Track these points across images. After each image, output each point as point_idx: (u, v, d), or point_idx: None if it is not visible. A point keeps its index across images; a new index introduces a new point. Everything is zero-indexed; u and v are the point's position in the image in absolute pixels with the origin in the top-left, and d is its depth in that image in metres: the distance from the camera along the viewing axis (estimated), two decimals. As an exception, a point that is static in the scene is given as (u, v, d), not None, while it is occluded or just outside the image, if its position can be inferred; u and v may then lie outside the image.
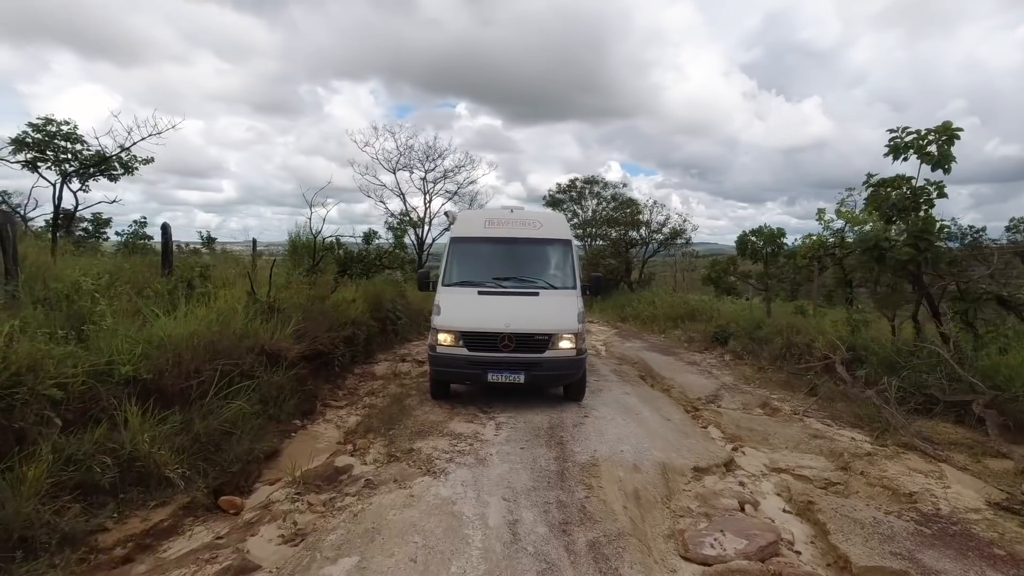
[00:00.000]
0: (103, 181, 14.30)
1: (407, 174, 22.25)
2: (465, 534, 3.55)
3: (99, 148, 12.08)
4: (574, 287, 7.17)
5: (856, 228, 13.75)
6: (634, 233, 25.63)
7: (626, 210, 25.69)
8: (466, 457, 4.99)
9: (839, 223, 10.65)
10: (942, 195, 6.61)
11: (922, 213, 6.76)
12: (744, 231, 12.44)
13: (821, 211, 10.74)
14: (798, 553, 3.56)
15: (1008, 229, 26.99)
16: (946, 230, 6.41)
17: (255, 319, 6.84)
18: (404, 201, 22.46)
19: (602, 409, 6.72)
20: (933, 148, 6.29)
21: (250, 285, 7.69)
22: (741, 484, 4.74)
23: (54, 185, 10.64)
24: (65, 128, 12.74)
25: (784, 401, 7.30)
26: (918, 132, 6.40)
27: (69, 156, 13.00)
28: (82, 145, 12.99)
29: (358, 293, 10.53)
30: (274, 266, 7.95)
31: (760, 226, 12.25)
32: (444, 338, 6.58)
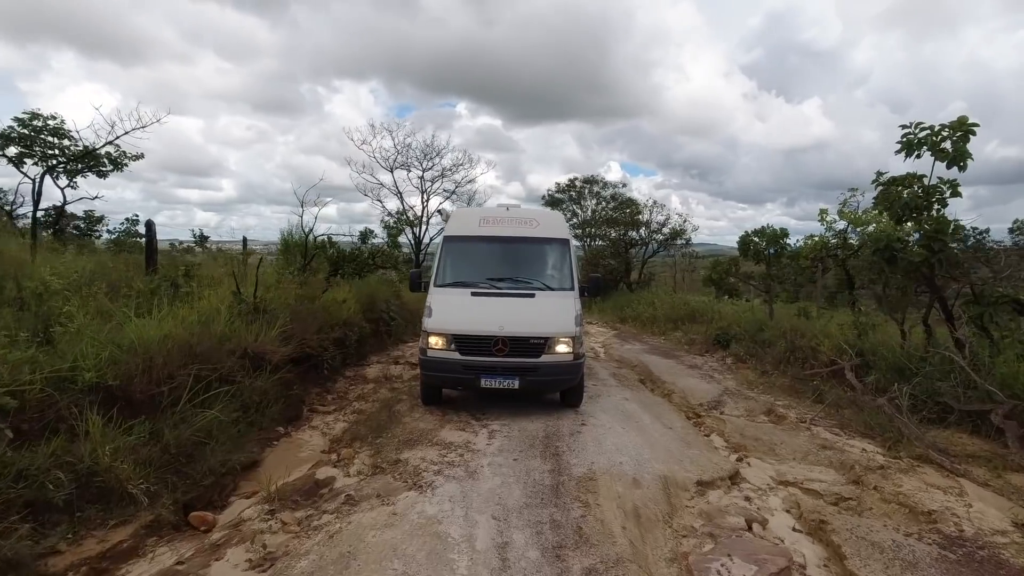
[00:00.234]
0: (95, 178, 14.01)
1: (405, 173, 21.96)
2: (450, 559, 3.26)
3: (85, 144, 11.74)
4: (572, 288, 6.88)
5: (859, 229, 13.50)
6: (634, 233, 25.35)
7: (626, 210, 25.42)
8: (456, 469, 4.70)
9: (841, 224, 10.39)
10: (956, 194, 6.32)
11: (934, 213, 6.48)
12: (746, 231, 12.16)
13: (823, 211, 10.47)
14: (812, 580, 3.28)
15: (1012, 231, 26.76)
16: (961, 231, 6.11)
17: (239, 320, 6.56)
18: (401, 200, 22.17)
19: (600, 416, 6.43)
20: (947, 144, 6.00)
21: (235, 285, 7.40)
22: (747, 499, 4.46)
23: (34, 180, 10.31)
24: (52, 123, 12.46)
25: (790, 408, 7.01)
26: (931, 128, 6.11)
27: (56, 152, 12.72)
28: (69, 141, 12.70)
29: (350, 293, 10.25)
30: (261, 264, 7.64)
31: (763, 226, 11.96)
32: (435, 341, 6.29)
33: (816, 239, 10.98)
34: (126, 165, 13.92)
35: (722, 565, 3.32)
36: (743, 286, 16.57)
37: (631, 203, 25.69)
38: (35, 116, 12.04)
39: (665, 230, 24.64)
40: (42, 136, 12.27)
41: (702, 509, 4.18)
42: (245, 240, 11.51)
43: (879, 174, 6.88)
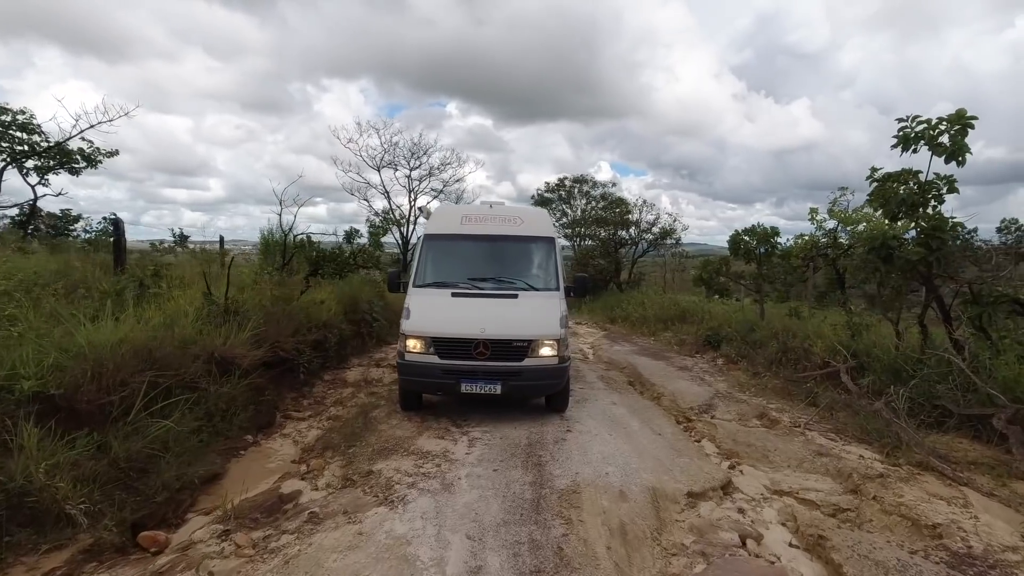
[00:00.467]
0: (71, 177, 13.52)
1: (392, 172, 21.62)
2: (417, 586, 2.96)
3: (48, 137, 11.27)
4: (557, 288, 6.60)
5: (849, 228, 13.35)
6: (623, 233, 25.11)
7: (615, 210, 25.17)
8: (431, 481, 4.40)
9: (832, 223, 10.23)
10: (953, 190, 6.10)
11: (930, 210, 6.27)
12: (737, 230, 11.92)
13: (814, 210, 10.30)
14: (812, 604, 3.02)
15: (999, 230, 26.85)
16: (960, 228, 5.89)
17: (207, 323, 6.22)
18: (388, 199, 21.82)
19: (587, 422, 6.15)
20: (945, 138, 5.78)
21: (206, 285, 7.05)
22: (741, 511, 4.20)
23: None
24: (20, 118, 12.01)
25: (783, 411, 6.77)
26: (928, 121, 5.89)
27: (25, 148, 12.27)
28: (39, 136, 12.25)
29: (331, 294, 9.91)
30: (233, 264, 7.29)
31: (753, 225, 11.74)
32: (413, 344, 5.97)
33: (807, 238, 10.81)
34: (100, 162, 13.48)
35: (715, 589, 3.05)
36: (734, 286, 16.38)
37: (621, 203, 25.46)
38: (3, 111, 11.60)
39: (655, 230, 24.42)
40: (10, 132, 11.83)
41: (693, 524, 3.91)
42: (222, 239, 11.11)
43: (874, 170, 6.65)
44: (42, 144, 12.09)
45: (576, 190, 27.72)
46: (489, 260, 6.94)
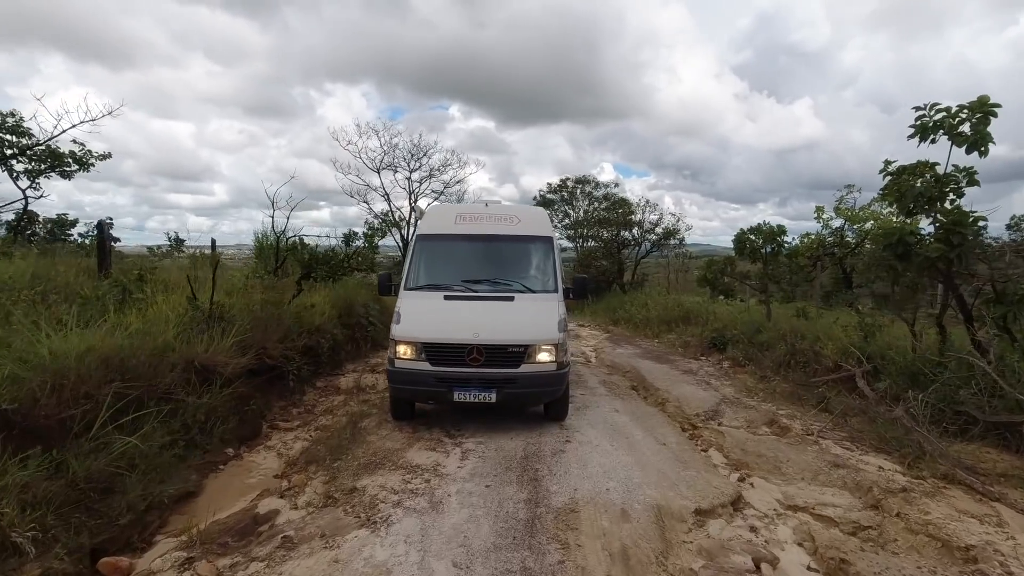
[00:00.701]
0: (69, 180, 13.30)
1: (392, 174, 21.36)
2: (394, 624, 2.65)
3: (31, 137, 11.03)
4: (555, 290, 6.28)
5: (856, 226, 13.00)
6: (626, 233, 24.78)
7: (618, 210, 24.86)
8: (418, 499, 4.09)
9: (838, 221, 9.92)
10: (973, 182, 5.78)
11: (948, 204, 5.93)
12: (742, 229, 11.54)
13: (820, 209, 9.97)
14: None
15: (1009, 228, 26.42)
16: (983, 223, 5.55)
17: (189, 328, 5.94)
18: (388, 201, 21.55)
19: (587, 431, 5.82)
20: (966, 127, 5.45)
21: (190, 289, 6.77)
22: (753, 530, 3.88)
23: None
24: (11, 121, 11.80)
25: (794, 418, 6.44)
26: (948, 109, 5.55)
27: (15, 151, 12.05)
28: (28, 139, 12.03)
29: (324, 297, 9.61)
30: (219, 267, 6.99)
31: (759, 224, 11.39)
32: (403, 350, 5.66)
33: (813, 237, 10.48)
34: (92, 164, 13.22)
35: (727, 626, 2.73)
36: (739, 286, 16.01)
37: (623, 203, 25.15)
38: (-10, 113, 11.38)
39: (658, 230, 24.10)
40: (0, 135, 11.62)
41: (701, 545, 3.59)
42: (214, 242, 10.81)
43: (887, 163, 6.31)
44: (29, 144, 11.87)
45: (579, 191, 27.45)
46: (484, 261, 6.63)
